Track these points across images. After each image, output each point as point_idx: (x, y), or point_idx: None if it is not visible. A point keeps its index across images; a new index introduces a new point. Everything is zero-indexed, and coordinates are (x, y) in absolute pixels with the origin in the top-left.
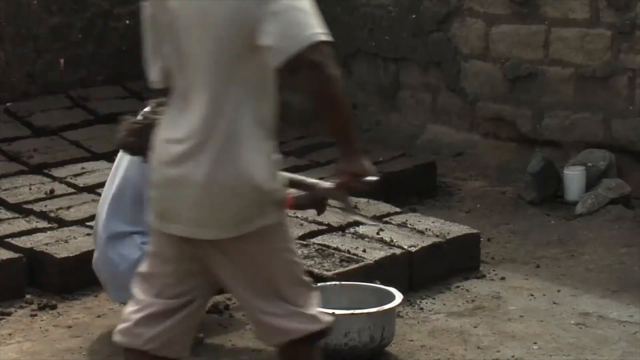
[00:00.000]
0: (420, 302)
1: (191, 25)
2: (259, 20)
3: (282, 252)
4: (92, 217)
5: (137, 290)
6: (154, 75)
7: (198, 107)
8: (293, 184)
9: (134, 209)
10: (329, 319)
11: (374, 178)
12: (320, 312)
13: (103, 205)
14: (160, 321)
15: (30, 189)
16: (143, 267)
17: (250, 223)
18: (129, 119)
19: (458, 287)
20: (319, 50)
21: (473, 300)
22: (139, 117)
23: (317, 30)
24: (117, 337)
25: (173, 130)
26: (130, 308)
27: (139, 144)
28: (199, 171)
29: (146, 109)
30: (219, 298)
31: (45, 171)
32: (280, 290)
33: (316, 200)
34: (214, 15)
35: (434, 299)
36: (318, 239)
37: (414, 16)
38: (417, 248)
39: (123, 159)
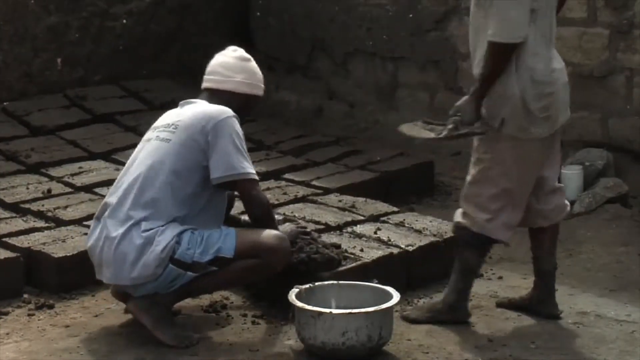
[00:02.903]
0: (418, 301)
1: None
2: None
3: None
4: (90, 217)
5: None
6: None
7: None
8: None
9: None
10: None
11: None
12: None
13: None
14: None
15: (27, 188)
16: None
17: None
18: None
19: None
20: None
21: (470, 300)
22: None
23: None
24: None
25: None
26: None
27: None
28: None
29: None
30: (215, 297)
31: (43, 170)
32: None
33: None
34: None
35: (431, 298)
36: None
37: (411, 15)
38: (414, 247)
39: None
